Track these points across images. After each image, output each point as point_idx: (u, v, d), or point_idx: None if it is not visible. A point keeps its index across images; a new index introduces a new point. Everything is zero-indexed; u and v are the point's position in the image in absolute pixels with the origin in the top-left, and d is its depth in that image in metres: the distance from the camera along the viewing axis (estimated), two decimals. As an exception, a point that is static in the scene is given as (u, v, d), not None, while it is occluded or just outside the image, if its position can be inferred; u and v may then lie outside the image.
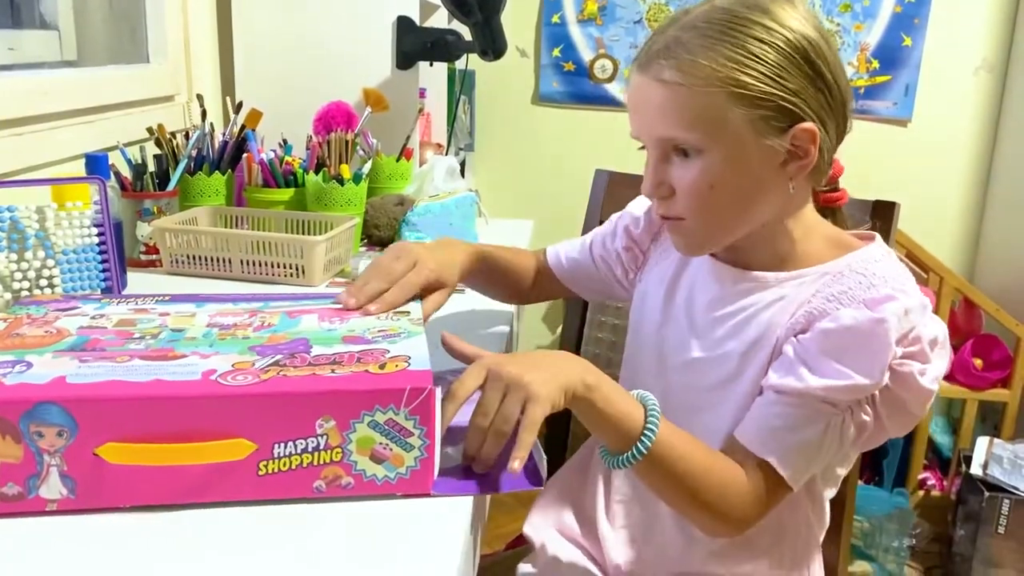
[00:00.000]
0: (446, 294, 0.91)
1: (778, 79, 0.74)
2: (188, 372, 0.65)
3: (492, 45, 1.58)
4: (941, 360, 0.76)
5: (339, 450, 0.63)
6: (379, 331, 0.75)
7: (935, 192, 2.52)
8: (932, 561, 2.17)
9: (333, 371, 0.65)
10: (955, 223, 2.56)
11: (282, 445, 0.62)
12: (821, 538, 0.90)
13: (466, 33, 1.69)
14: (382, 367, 0.66)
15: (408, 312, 0.81)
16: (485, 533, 0.77)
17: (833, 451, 0.77)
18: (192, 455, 0.61)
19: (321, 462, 0.63)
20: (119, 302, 0.84)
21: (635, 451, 0.73)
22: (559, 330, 1.31)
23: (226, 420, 0.61)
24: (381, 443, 0.63)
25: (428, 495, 0.65)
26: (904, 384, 0.74)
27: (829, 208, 0.87)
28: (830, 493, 0.89)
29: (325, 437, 0.62)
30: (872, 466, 2.29)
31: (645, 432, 0.73)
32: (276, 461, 0.62)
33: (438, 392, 0.63)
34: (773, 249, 0.82)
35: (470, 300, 1.17)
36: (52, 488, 0.61)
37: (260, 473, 0.62)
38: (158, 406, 0.61)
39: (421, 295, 0.87)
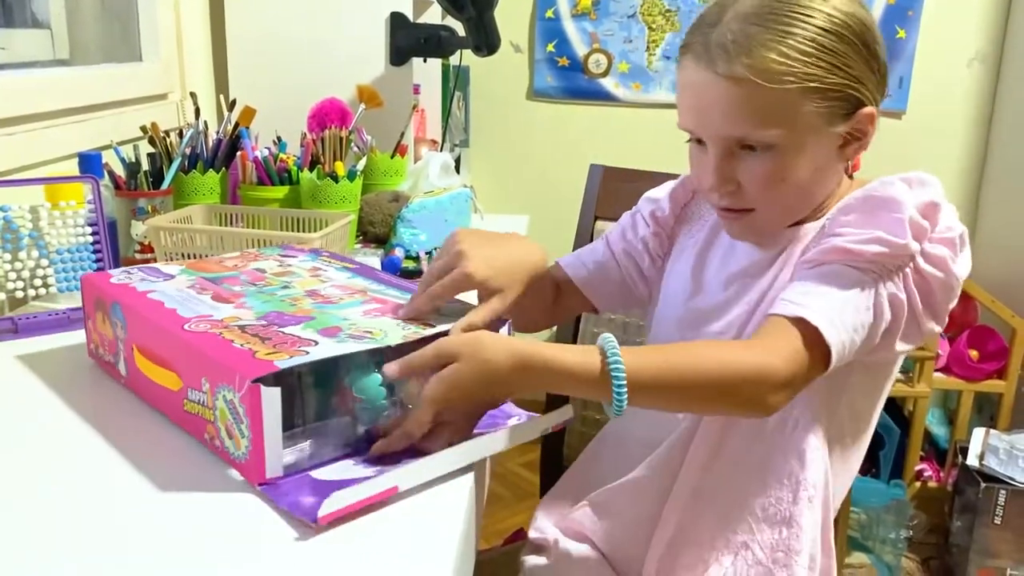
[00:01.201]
0: (504, 301, 0.80)
1: (845, 68, 0.76)
2: (195, 311, 0.76)
3: (486, 40, 1.58)
4: (967, 259, 0.79)
5: (212, 412, 0.68)
6: (364, 329, 0.73)
7: (930, 184, 2.52)
8: (929, 552, 2.18)
9: (242, 344, 0.68)
10: (950, 215, 2.56)
11: (192, 391, 0.70)
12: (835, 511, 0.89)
13: (460, 29, 1.69)
14: (268, 353, 0.66)
15: (434, 326, 0.75)
16: (480, 529, 0.77)
17: (866, 321, 0.74)
18: (157, 375, 0.75)
19: (205, 417, 0.69)
20: (323, 259, 0.97)
21: (615, 392, 0.69)
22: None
23: (171, 355, 0.73)
24: (230, 420, 0.66)
25: (257, 485, 0.65)
26: (937, 265, 0.76)
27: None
28: (859, 450, 0.88)
29: (206, 396, 0.68)
30: (869, 458, 2.30)
31: (611, 366, 0.68)
32: (190, 403, 0.71)
33: (271, 394, 0.62)
34: (813, 209, 0.85)
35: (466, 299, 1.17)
36: (122, 366, 0.82)
37: (184, 408, 0.72)
38: (148, 327, 0.76)
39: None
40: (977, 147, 2.52)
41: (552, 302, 0.99)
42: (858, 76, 0.77)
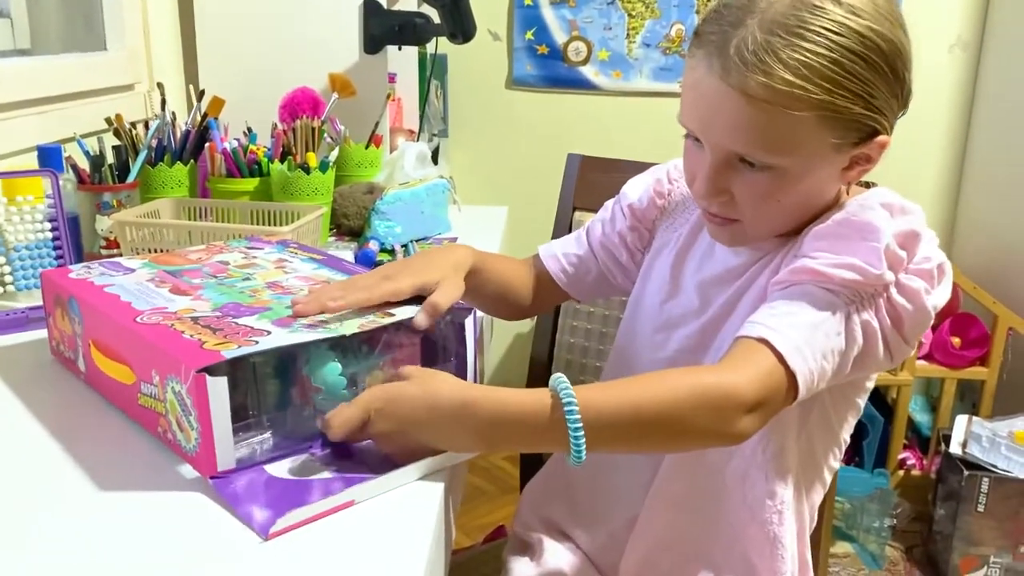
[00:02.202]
0: (454, 286, 0.79)
1: (868, 97, 0.70)
2: (150, 304, 0.75)
3: (461, 27, 1.54)
4: (945, 290, 0.74)
5: (163, 405, 0.67)
6: (320, 319, 0.72)
7: (911, 171, 2.51)
8: (913, 540, 2.18)
9: (191, 335, 0.67)
10: (931, 202, 2.56)
11: (145, 384, 0.69)
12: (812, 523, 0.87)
13: (435, 16, 1.65)
14: (217, 343, 0.65)
15: (394, 315, 0.74)
16: (453, 528, 0.75)
17: (838, 346, 0.70)
18: (112, 369, 0.74)
19: (158, 411, 0.68)
20: (290, 251, 0.95)
21: (572, 435, 0.63)
22: (533, 322, 1.28)
23: (124, 348, 0.72)
24: (179, 412, 0.65)
25: (208, 479, 0.64)
26: (910, 298, 0.72)
27: None
28: (827, 476, 0.86)
29: (157, 389, 0.67)
30: (852, 447, 2.29)
31: (567, 414, 0.63)
32: (144, 396, 0.70)
33: (217, 384, 0.61)
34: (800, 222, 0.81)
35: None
36: (81, 362, 0.80)
37: (139, 402, 0.71)
38: (102, 321, 0.75)
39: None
40: (958, 133, 2.52)
41: (531, 292, 0.97)
42: (880, 107, 0.71)
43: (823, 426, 0.82)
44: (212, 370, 0.61)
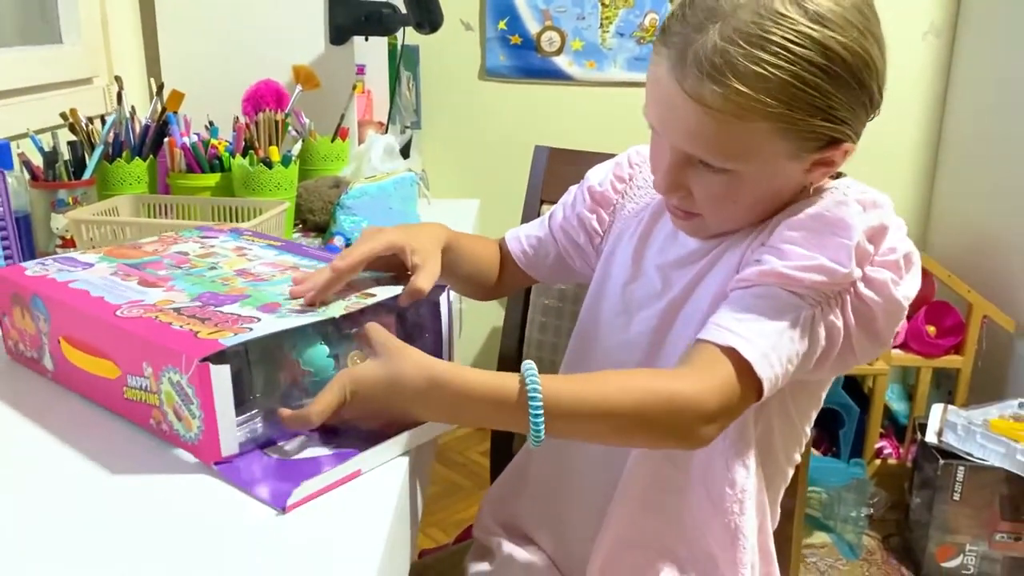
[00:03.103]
0: (434, 265, 0.80)
1: (828, 110, 0.68)
2: (124, 297, 0.74)
3: (428, 17, 1.51)
4: (914, 280, 0.73)
5: (157, 397, 0.67)
6: (304, 305, 0.73)
7: (886, 160, 2.51)
8: (890, 529, 2.18)
9: (181, 326, 0.67)
10: (906, 190, 2.56)
11: (132, 377, 0.69)
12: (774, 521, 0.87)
13: (402, 6, 1.62)
14: (211, 332, 0.66)
15: (375, 295, 0.76)
16: (417, 529, 0.73)
17: (801, 350, 0.70)
18: (91, 365, 0.73)
19: (149, 403, 0.68)
20: (246, 238, 0.95)
21: (532, 414, 0.64)
22: (504, 311, 1.26)
23: (105, 343, 0.71)
24: (177, 402, 0.65)
25: (212, 465, 0.65)
26: (877, 290, 0.71)
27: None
28: (788, 471, 0.86)
29: (149, 381, 0.67)
30: (829, 438, 2.29)
31: (529, 390, 0.64)
32: (131, 390, 0.70)
33: (220, 371, 0.62)
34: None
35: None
36: (47, 361, 0.79)
37: (124, 396, 0.70)
38: (75, 317, 0.74)
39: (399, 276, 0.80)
40: (932, 120, 2.51)
41: (497, 273, 0.98)
42: (842, 118, 0.69)
43: (782, 416, 0.81)
44: (213, 359, 0.62)
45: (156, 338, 0.66)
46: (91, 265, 0.85)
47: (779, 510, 0.87)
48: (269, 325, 0.67)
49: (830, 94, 0.67)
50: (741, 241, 0.78)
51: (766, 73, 0.66)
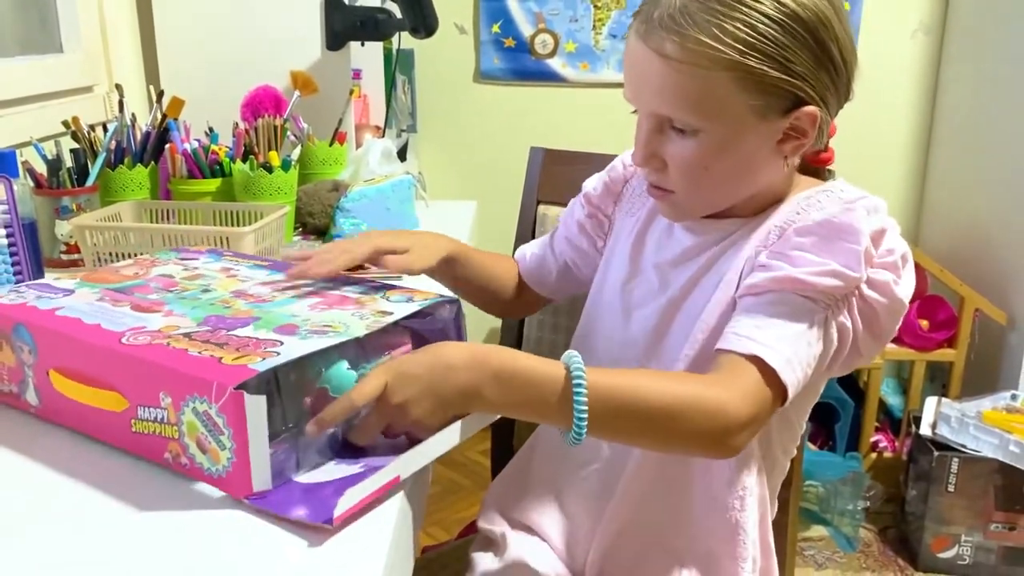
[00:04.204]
0: (417, 260, 0.87)
1: (785, 63, 0.71)
2: (123, 324, 0.70)
3: (423, 22, 1.54)
4: (911, 278, 0.76)
5: (176, 428, 0.63)
6: (323, 324, 0.70)
7: (877, 156, 2.54)
8: (886, 522, 2.20)
9: (199, 352, 0.64)
10: (898, 186, 2.58)
11: (144, 409, 0.65)
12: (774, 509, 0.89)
13: (397, 11, 1.64)
14: (236, 358, 0.62)
15: (391, 313, 0.74)
16: (420, 526, 0.75)
17: (818, 352, 0.72)
18: (91, 397, 0.68)
19: (166, 435, 0.64)
20: (228, 259, 0.92)
21: (576, 414, 0.65)
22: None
23: (110, 373, 0.67)
24: (202, 433, 0.62)
25: (242, 500, 0.61)
26: (881, 291, 0.73)
27: (815, 167, 0.86)
28: (783, 463, 0.87)
29: (166, 412, 0.63)
30: (825, 432, 2.31)
31: (575, 388, 0.65)
32: (141, 422, 0.65)
33: (255, 400, 0.59)
34: (754, 205, 0.81)
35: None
36: (31, 395, 0.74)
37: (133, 429, 0.66)
38: (71, 346, 0.69)
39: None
40: (923, 117, 2.54)
41: (514, 290, 1.01)
42: (801, 73, 0.72)
43: (779, 413, 0.83)
44: (245, 386, 0.59)
45: (177, 365, 0.62)
46: (71, 291, 0.80)
47: (777, 501, 0.89)
48: (295, 348, 0.64)
49: (785, 46, 0.70)
50: (742, 242, 0.80)
51: (722, 23, 0.70)
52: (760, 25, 0.70)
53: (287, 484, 0.63)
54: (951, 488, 1.95)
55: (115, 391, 0.66)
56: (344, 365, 0.68)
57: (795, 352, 0.70)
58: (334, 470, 0.66)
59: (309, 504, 0.60)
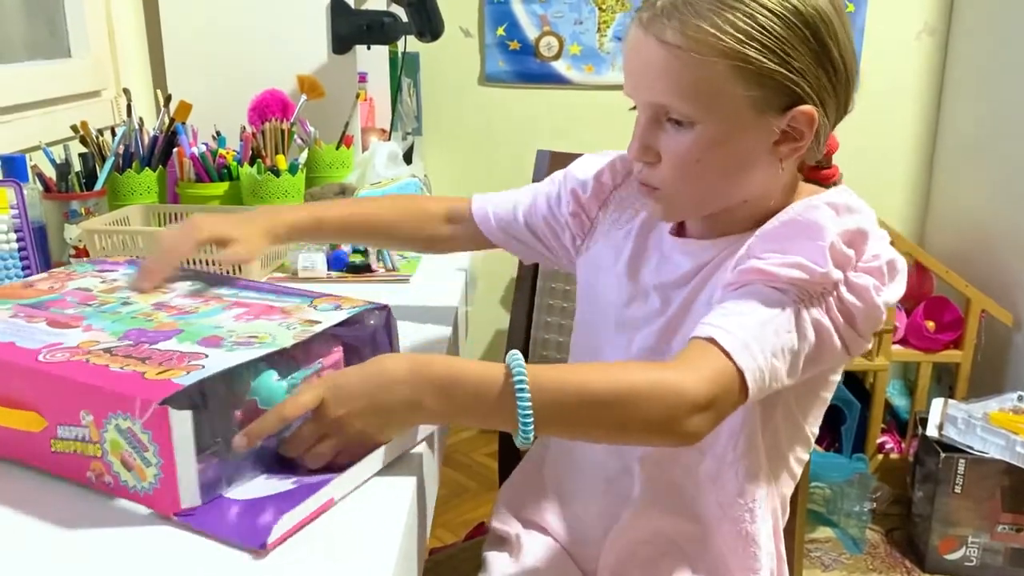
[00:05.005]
0: (245, 250, 0.89)
1: (784, 56, 0.71)
2: (40, 341, 0.67)
3: (428, 26, 1.54)
4: (897, 287, 0.75)
5: (98, 447, 0.62)
6: (249, 335, 0.68)
7: (883, 157, 2.54)
8: (893, 523, 2.20)
9: (120, 367, 0.62)
10: (904, 187, 2.58)
11: (64, 428, 0.63)
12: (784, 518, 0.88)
13: (403, 15, 1.65)
14: (160, 373, 0.61)
15: (320, 322, 0.72)
16: (427, 528, 0.75)
17: (790, 344, 0.70)
18: (5, 417, 0.65)
19: (88, 454, 0.63)
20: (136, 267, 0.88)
21: (521, 413, 0.63)
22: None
23: (26, 392, 0.64)
24: (127, 451, 0.60)
25: (173, 516, 0.60)
26: (859, 295, 0.72)
27: (818, 184, 0.84)
28: (796, 469, 0.86)
29: (87, 431, 0.62)
30: (831, 434, 2.31)
31: (517, 387, 0.63)
32: (61, 442, 0.64)
33: (181, 415, 0.58)
34: (748, 219, 0.80)
35: (414, 296, 1.14)
36: None
37: (52, 450, 0.64)
38: (16, 357, 0.65)
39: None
40: (928, 118, 2.54)
41: (443, 236, 1.01)
42: (800, 69, 0.71)
43: (788, 421, 0.83)
44: (170, 402, 0.57)
45: (98, 382, 0.60)
46: None
47: (787, 506, 0.88)
48: (221, 360, 0.63)
49: (785, 40, 0.71)
50: (728, 258, 0.79)
51: (723, 12, 0.70)
52: (761, 17, 0.70)
53: (217, 500, 0.62)
54: (958, 489, 1.95)
55: (33, 410, 0.64)
56: (273, 376, 0.66)
57: (756, 338, 0.68)
58: (265, 485, 0.64)
59: (242, 526, 0.58)
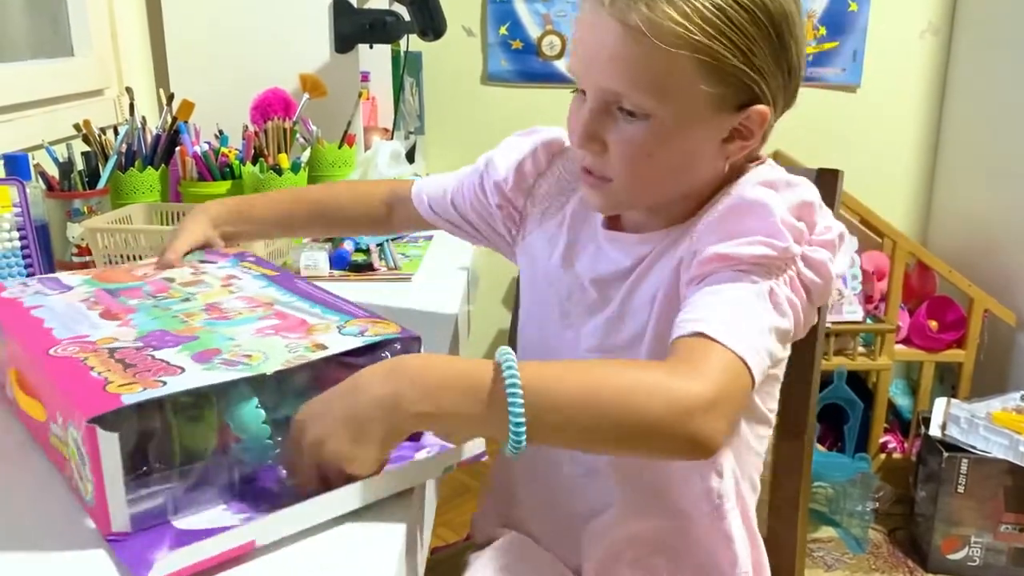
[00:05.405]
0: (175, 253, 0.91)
1: (749, 54, 0.68)
2: (73, 331, 0.69)
3: (431, 24, 1.54)
4: (845, 258, 0.74)
5: (68, 449, 0.60)
6: (243, 354, 0.64)
7: (886, 157, 2.53)
8: (896, 523, 2.20)
9: (99, 372, 0.60)
10: (907, 187, 2.58)
11: (53, 424, 0.63)
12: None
13: (405, 13, 1.65)
14: (122, 384, 0.58)
15: (326, 347, 0.66)
16: (429, 526, 0.75)
17: (772, 322, 0.68)
18: (26, 403, 0.67)
19: (65, 455, 0.61)
20: (244, 266, 0.89)
21: (512, 416, 0.57)
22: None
23: (35, 382, 0.66)
24: (77, 460, 0.58)
25: (105, 539, 0.56)
26: (817, 270, 0.71)
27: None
28: (761, 443, 0.85)
29: (62, 431, 0.60)
30: (834, 433, 2.31)
31: (508, 384, 0.57)
32: (53, 436, 0.63)
33: (108, 437, 0.54)
34: (684, 212, 0.77)
35: (416, 294, 1.14)
36: (9, 390, 0.72)
37: (51, 442, 0.64)
38: (16, 348, 0.69)
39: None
40: (931, 118, 2.53)
41: (383, 220, 1.02)
42: (761, 68, 0.69)
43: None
44: (108, 419, 0.53)
45: (66, 386, 0.59)
46: (68, 289, 0.80)
47: (758, 484, 0.87)
48: (188, 380, 0.58)
49: (752, 37, 0.68)
50: (671, 251, 0.77)
51: (694, 2, 0.67)
52: (730, 10, 0.67)
53: (161, 527, 0.57)
54: (961, 489, 1.94)
55: (39, 401, 0.65)
56: (254, 403, 0.61)
57: (742, 322, 0.65)
58: (218, 518, 0.59)
59: (136, 556, 0.53)
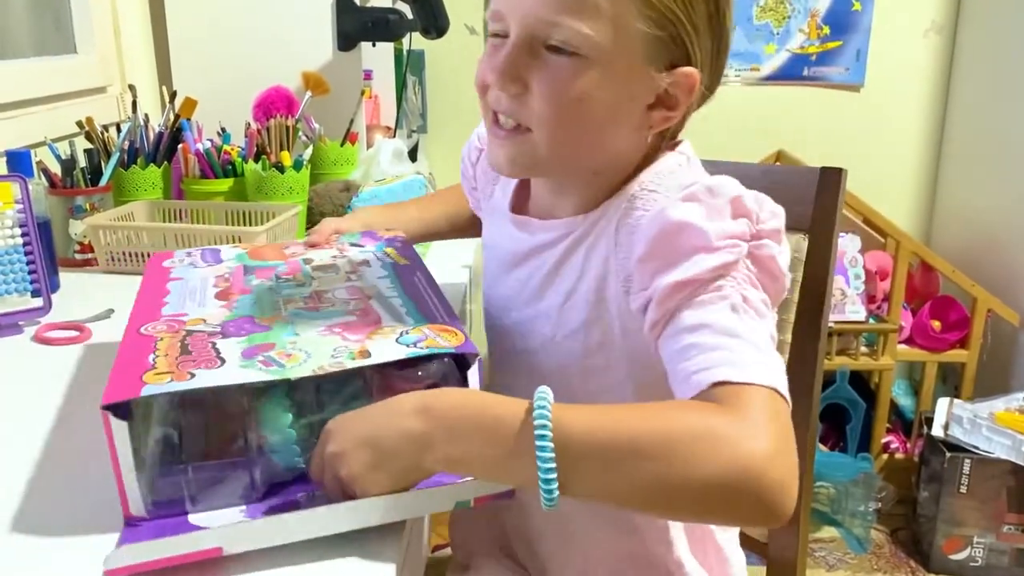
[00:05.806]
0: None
1: (688, 5, 0.65)
2: (179, 308, 0.71)
3: (434, 23, 1.54)
4: (787, 247, 0.67)
5: None
6: (286, 354, 0.62)
7: (890, 156, 2.53)
8: (898, 523, 2.20)
9: (154, 356, 0.60)
10: (910, 187, 2.57)
11: None
12: None
13: (408, 11, 1.64)
14: (159, 373, 0.57)
15: (370, 355, 0.62)
16: (430, 525, 0.74)
17: (764, 329, 0.61)
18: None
19: None
20: (385, 251, 0.87)
21: (540, 461, 0.52)
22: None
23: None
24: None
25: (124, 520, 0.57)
26: (766, 268, 0.64)
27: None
28: None
29: None
30: (836, 433, 2.31)
31: (537, 427, 0.53)
32: None
33: (119, 425, 0.54)
34: (593, 194, 0.73)
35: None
36: None
37: None
38: (132, 323, 0.69)
39: None
40: (935, 117, 2.53)
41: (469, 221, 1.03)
42: (696, 25, 0.66)
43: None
44: (128, 406, 0.54)
45: (116, 368, 0.59)
46: (220, 262, 0.84)
47: None
48: (221, 376, 0.57)
49: None
50: (587, 241, 0.72)
51: None
52: None
53: (177, 518, 0.57)
54: (963, 489, 1.94)
55: None
56: (283, 404, 0.59)
57: (741, 348, 0.58)
58: (225, 518, 0.58)
59: (131, 537, 0.54)
